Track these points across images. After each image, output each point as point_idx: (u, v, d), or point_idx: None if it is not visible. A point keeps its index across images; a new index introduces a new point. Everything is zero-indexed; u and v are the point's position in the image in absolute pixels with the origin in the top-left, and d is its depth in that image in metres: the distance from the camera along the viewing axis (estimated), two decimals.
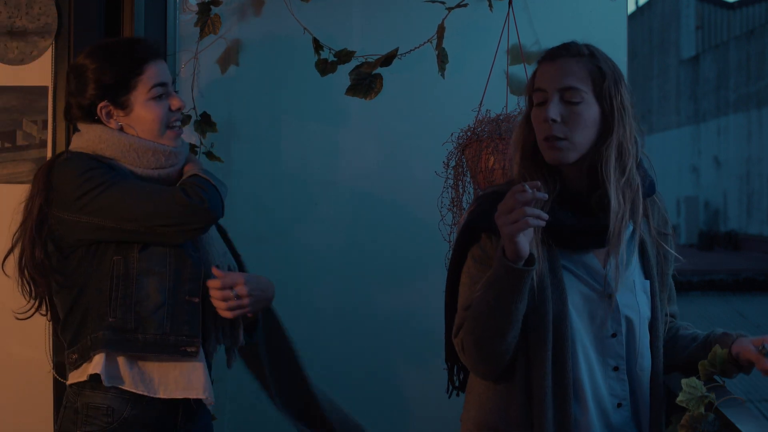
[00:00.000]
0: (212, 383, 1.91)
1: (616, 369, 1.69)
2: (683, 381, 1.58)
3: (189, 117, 2.50)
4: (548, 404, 1.63)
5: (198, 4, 2.60)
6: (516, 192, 1.51)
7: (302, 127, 2.77)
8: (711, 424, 1.54)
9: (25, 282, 1.86)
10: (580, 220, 1.66)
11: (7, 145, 2.41)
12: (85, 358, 1.83)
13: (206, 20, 2.56)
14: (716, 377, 1.66)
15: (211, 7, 2.56)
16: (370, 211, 2.77)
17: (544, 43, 2.63)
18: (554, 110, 1.62)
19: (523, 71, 2.47)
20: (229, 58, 2.72)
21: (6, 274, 1.89)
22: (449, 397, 1.88)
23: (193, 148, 2.52)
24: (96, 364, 1.80)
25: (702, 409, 1.54)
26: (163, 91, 1.87)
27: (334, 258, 2.77)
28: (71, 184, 1.79)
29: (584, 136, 1.64)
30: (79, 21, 2.41)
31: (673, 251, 1.77)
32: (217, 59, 2.71)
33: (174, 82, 2.67)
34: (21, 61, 2.42)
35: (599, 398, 1.68)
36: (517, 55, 2.48)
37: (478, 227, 1.69)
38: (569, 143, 1.63)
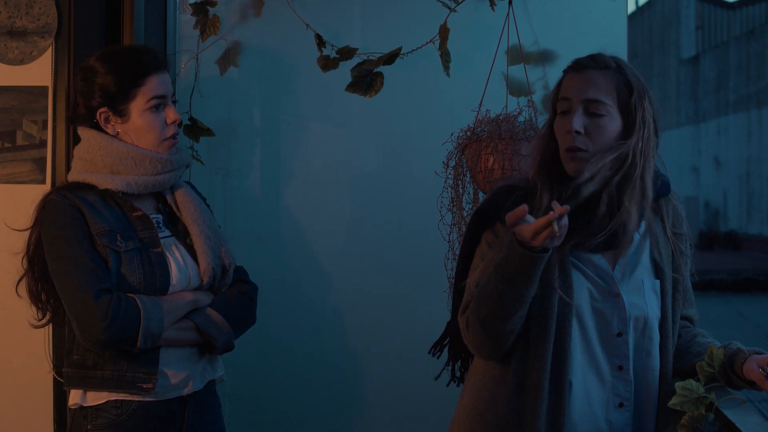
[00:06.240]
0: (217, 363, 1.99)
1: (620, 368, 1.69)
2: (677, 384, 1.57)
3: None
4: (543, 397, 1.64)
5: (192, 5, 2.59)
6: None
7: (302, 127, 2.77)
8: (711, 424, 1.54)
9: (31, 302, 1.93)
10: (590, 223, 1.67)
11: (7, 145, 2.40)
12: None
13: (205, 21, 2.56)
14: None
15: (208, 8, 2.55)
16: (369, 211, 2.76)
17: (544, 44, 2.63)
18: (578, 122, 1.65)
19: (523, 72, 2.47)
20: (228, 59, 2.72)
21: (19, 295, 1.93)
22: (448, 385, 1.91)
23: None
24: (74, 396, 1.87)
25: (702, 409, 1.54)
26: (160, 102, 1.91)
27: (333, 258, 2.77)
28: (46, 236, 1.83)
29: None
30: (79, 21, 2.40)
31: (689, 250, 1.78)
32: (216, 60, 2.71)
33: (174, 82, 2.67)
34: (21, 61, 2.41)
35: (599, 396, 1.69)
36: (516, 55, 2.48)
37: (491, 216, 1.72)
38: (590, 155, 1.65)
